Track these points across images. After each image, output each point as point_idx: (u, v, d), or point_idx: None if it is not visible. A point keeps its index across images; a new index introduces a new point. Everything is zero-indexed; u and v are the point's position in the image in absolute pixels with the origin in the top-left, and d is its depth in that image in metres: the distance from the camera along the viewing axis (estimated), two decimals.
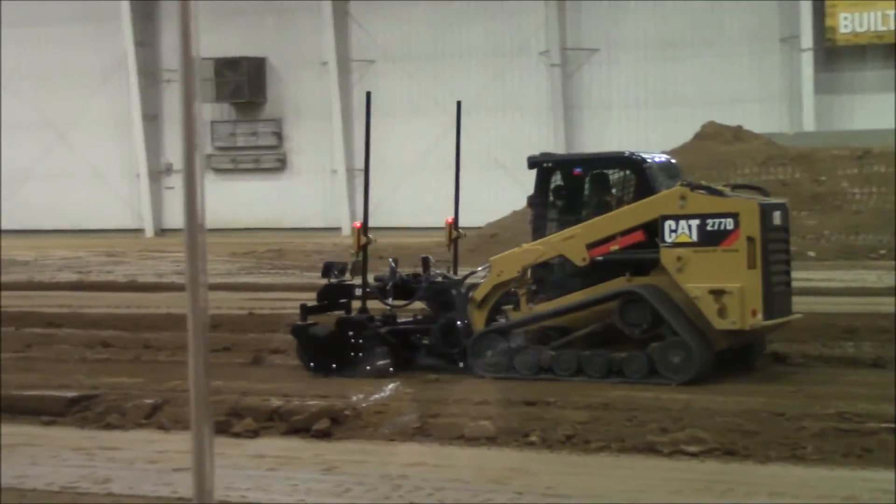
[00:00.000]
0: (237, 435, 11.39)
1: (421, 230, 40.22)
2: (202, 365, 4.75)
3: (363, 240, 14.49)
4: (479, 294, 14.18)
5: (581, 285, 13.76)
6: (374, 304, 15.08)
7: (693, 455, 10.25)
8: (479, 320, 14.14)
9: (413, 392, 12.99)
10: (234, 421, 11.59)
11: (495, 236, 30.89)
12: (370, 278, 14.95)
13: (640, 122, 40.81)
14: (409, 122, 43.49)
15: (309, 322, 14.68)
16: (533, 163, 14.45)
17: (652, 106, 40.71)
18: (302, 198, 44.97)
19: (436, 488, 9.52)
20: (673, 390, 12.71)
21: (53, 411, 12.64)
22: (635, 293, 13.30)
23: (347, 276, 14.90)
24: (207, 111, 42.61)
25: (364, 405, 12.11)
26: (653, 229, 13.34)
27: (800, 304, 14.64)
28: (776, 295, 13.35)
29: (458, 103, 17.03)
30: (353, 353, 14.23)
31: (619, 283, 13.52)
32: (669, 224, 13.17)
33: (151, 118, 46.74)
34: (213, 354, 14.04)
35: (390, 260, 15.35)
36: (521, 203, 33.40)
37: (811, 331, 15.91)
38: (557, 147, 41.56)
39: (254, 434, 11.51)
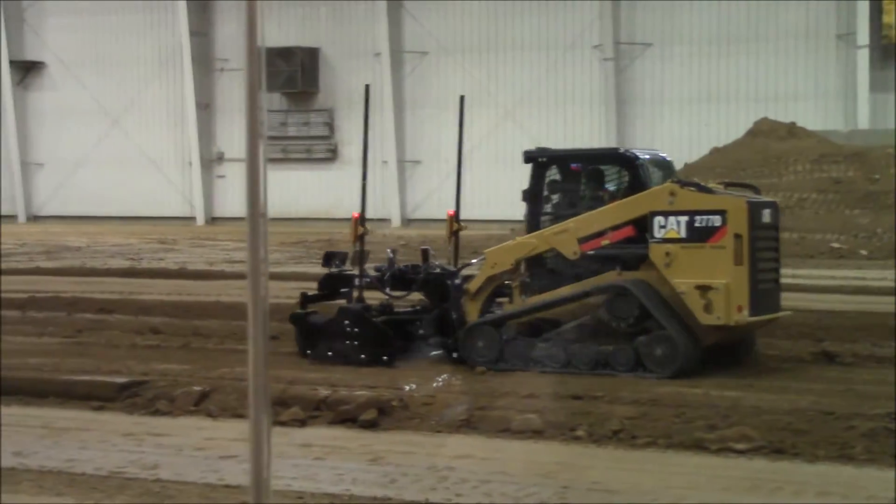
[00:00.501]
0: (284, 424, 11.42)
1: (471, 221, 40.23)
2: (261, 354, 4.74)
3: (360, 230, 14.81)
4: (472, 286, 14.42)
5: (573, 279, 13.94)
6: (376, 294, 15.26)
7: (741, 453, 10.19)
8: (472, 311, 14.35)
9: (460, 384, 13.01)
10: (280, 410, 11.63)
11: None
12: (371, 269, 15.22)
13: (693, 118, 40.59)
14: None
15: (308, 310, 15.03)
16: (528, 157, 14.63)
17: (705, 101, 40.47)
18: (352, 188, 44.86)
19: (482, 481, 9.51)
20: (722, 387, 12.65)
21: (103, 397, 12.73)
22: (622, 287, 13.49)
23: (348, 265, 15.17)
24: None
25: (412, 396, 12.12)
26: (643, 225, 13.52)
27: (851, 303, 14.53)
28: (763, 292, 13.49)
29: (462, 98, 17.38)
30: (348, 342, 14.47)
31: (609, 278, 13.69)
32: (659, 220, 13.38)
33: (204, 107, 46.99)
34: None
35: (388, 251, 15.61)
36: None
37: (862, 330, 15.78)
38: (609, 141, 41.42)
39: (301, 423, 11.54)
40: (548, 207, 14.46)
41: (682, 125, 40.65)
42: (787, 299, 14.58)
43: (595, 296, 13.69)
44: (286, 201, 43.78)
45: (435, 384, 12.96)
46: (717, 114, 39.97)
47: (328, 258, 15.33)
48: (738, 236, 13.18)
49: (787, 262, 25.85)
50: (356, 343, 14.43)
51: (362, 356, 14.31)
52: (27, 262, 28.71)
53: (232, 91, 46.57)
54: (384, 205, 44.44)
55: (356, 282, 14.97)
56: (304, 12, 44.54)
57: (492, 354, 14.01)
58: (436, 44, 43.77)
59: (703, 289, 13.15)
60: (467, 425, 11.32)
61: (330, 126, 45.65)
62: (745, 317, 13.20)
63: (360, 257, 14.88)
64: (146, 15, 47.80)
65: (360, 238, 14.84)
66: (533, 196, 14.50)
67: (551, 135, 42.22)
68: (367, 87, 16.14)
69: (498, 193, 42.49)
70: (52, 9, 49.41)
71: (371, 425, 11.44)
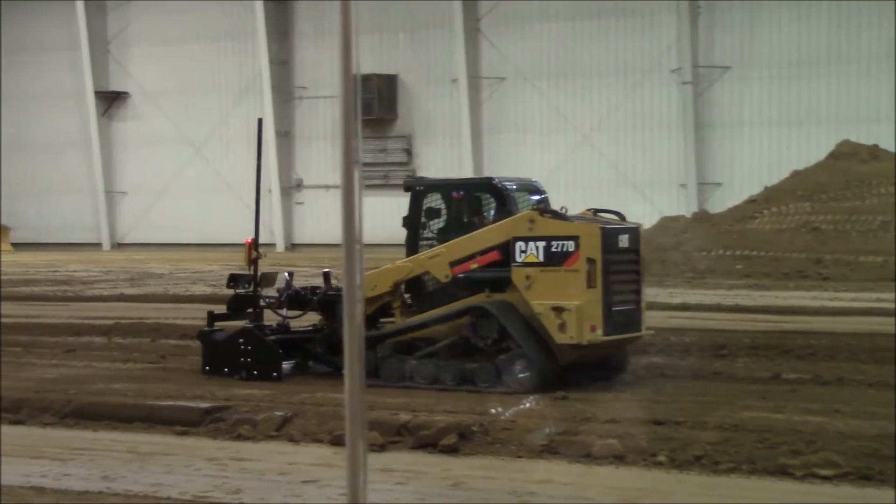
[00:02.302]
0: None
1: None
2: (357, 379, 4.75)
3: (253, 254, 15.82)
4: None
5: (446, 300, 14.73)
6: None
7: (826, 479, 10.07)
8: None
9: (541, 409, 12.97)
10: None
11: None
12: (273, 291, 16.20)
13: (773, 141, 40.25)
14: (538, 139, 43.54)
15: (214, 328, 15.94)
16: (407, 186, 15.61)
17: (785, 124, 40.11)
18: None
19: None
20: (806, 412, 12.50)
21: (187, 421, 12.87)
22: (483, 309, 14.35)
23: (247, 286, 15.98)
24: (338, 126, 43.08)
25: (492, 421, 12.12)
26: (507, 250, 14.30)
27: None
28: (619, 313, 14.24)
29: (259, 120, 18.19)
30: (242, 359, 15.31)
31: (478, 299, 14.49)
32: (520, 245, 14.21)
33: (283, 134, 47.43)
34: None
35: (285, 273, 16.34)
36: (650, 220, 33.26)
37: None
38: (688, 166, 41.21)
39: (381, 448, 11.56)
40: (426, 233, 15.32)
41: (762, 148, 40.32)
42: (873, 324, 14.41)
43: (461, 317, 14.51)
44: (364, 227, 43.92)
45: (513, 410, 12.94)
46: (798, 137, 39.59)
47: (233, 280, 16.15)
48: (590, 260, 13.95)
49: (872, 287, 25.58)
50: (249, 360, 15.29)
51: (254, 372, 15.20)
52: (111, 289, 29.11)
53: (311, 119, 47.00)
54: None
55: (261, 302, 15.97)
56: (382, 39, 44.82)
57: (368, 371, 14.42)
58: (513, 69, 43.83)
59: (558, 310, 13.94)
60: (548, 450, 11.27)
61: (408, 152, 45.85)
62: (598, 336, 13.97)
63: (255, 280, 15.80)
64: (227, 44, 48.41)
65: (253, 262, 15.80)
66: (411, 222, 15.37)
67: (629, 160, 42.12)
68: (259, 120, 17.20)
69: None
70: (135, 40, 50.23)
71: (452, 450, 11.44)
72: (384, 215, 45.58)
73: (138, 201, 50.44)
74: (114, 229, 51.05)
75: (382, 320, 15.31)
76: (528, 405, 13.15)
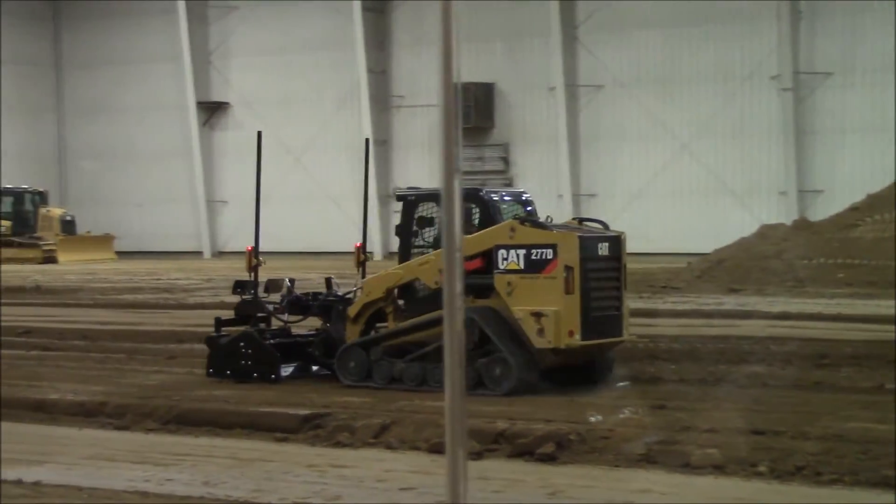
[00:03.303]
0: None
1: (644, 255, 39.91)
2: (457, 387, 4.75)
3: (253, 262, 16.50)
4: (351, 311, 15.90)
5: (436, 306, 14.73)
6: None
7: None
8: (353, 334, 15.79)
9: (639, 418, 12.89)
10: None
11: (723, 262, 30.34)
12: (278, 297, 16.77)
13: (876, 148, 39.61)
14: (635, 147, 43.32)
15: (221, 333, 16.45)
16: (399, 196, 16.35)
17: (888, 130, 39.42)
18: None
19: None
20: None
21: (287, 428, 12.99)
22: (465, 314, 14.05)
23: (252, 292, 16.55)
24: (435, 135, 43.27)
25: (590, 429, 12.07)
26: (491, 257, 14.87)
27: None
28: (599, 318, 14.72)
29: (367, 140, 19.06)
30: (243, 361, 15.91)
31: (464, 305, 14.27)
32: (502, 253, 14.79)
33: (381, 143, 47.72)
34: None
35: (286, 279, 16.90)
36: (750, 229, 32.92)
37: None
38: (788, 174, 40.74)
39: (477, 456, 11.55)
40: (418, 241, 15.92)
41: (864, 155, 39.72)
42: None
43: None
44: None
45: (611, 418, 12.88)
46: None
47: (238, 286, 16.75)
48: (568, 268, 14.44)
49: None
50: (249, 362, 15.87)
51: (254, 374, 15.78)
52: (212, 296, 29.45)
53: (408, 127, 47.23)
54: None
55: (268, 308, 16.60)
56: (479, 48, 44.86)
57: (362, 373, 15.41)
58: (611, 77, 43.67)
59: (537, 315, 14.48)
60: (646, 460, 11.20)
61: (505, 160, 45.87)
62: (576, 341, 14.46)
63: (255, 286, 16.44)
64: (326, 54, 48.83)
65: (253, 269, 16.45)
66: (403, 231, 16.04)
67: (728, 167, 41.74)
68: (259, 133, 18.05)
69: (674, 227, 42.18)
70: (236, 50, 50.90)
71: (549, 458, 11.40)
72: None
73: (238, 210, 51.03)
74: (214, 238, 51.72)
75: (379, 325, 15.96)
76: (626, 414, 13.08)
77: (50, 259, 48.15)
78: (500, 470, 11.15)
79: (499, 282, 14.77)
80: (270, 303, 16.59)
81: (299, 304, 16.55)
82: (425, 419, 12.74)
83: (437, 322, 14.62)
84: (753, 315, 22.55)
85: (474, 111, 44.60)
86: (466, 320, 14.53)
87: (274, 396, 14.58)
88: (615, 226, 39.20)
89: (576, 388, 14.83)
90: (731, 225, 36.95)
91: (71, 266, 45.05)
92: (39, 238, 49.68)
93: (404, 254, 15.97)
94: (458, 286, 4.74)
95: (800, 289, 27.48)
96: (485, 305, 14.90)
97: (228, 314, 17.03)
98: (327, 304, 16.35)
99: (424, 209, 15.95)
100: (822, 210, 38.01)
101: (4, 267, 45.32)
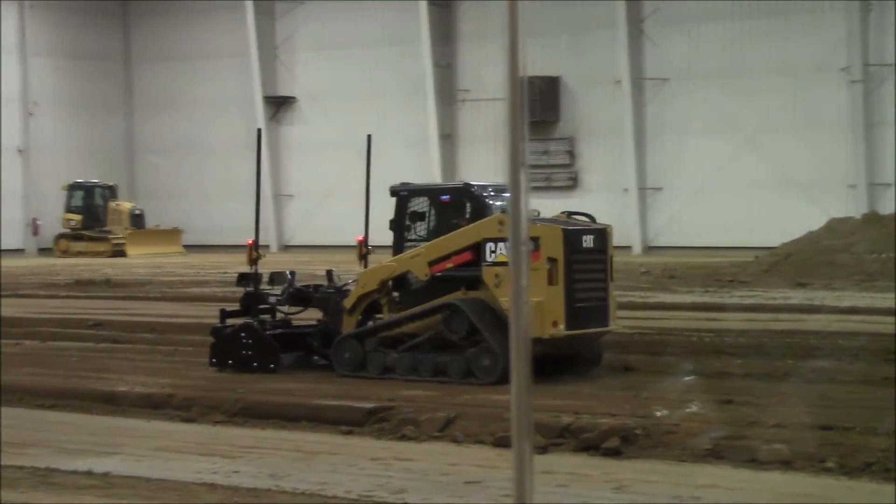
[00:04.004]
0: None
1: (712, 249, 39.64)
2: (524, 381, 4.75)
3: (254, 255, 16.90)
4: (347, 303, 16.34)
5: (428, 297, 15.70)
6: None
7: None
8: (349, 325, 16.23)
9: (705, 413, 12.81)
10: None
11: (790, 256, 30.08)
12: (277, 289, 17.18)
13: None
14: (701, 140, 43.01)
15: (226, 325, 16.86)
16: (392, 192, 16.77)
17: None
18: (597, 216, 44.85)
19: None
20: None
21: (352, 421, 13.03)
22: (455, 305, 15.35)
23: (251, 285, 16.98)
24: (500, 129, 43.22)
25: (655, 424, 12.01)
26: (479, 250, 15.31)
27: None
28: (584, 309, 15.10)
29: (369, 137, 19.82)
30: (243, 352, 16.35)
31: (454, 297, 15.48)
32: (490, 246, 15.21)
33: (446, 137, 47.75)
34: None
35: (287, 272, 17.31)
36: (818, 222, 32.59)
37: None
38: (857, 167, 40.29)
39: (542, 450, 11.47)
40: (410, 235, 16.46)
41: None
42: None
43: (437, 313, 15.45)
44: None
45: (677, 412, 12.81)
46: None
47: (241, 278, 17.21)
48: (552, 259, 14.82)
49: None
50: (249, 353, 16.32)
51: (254, 364, 16.20)
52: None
53: (473, 121, 47.20)
54: (625, 233, 44.17)
55: (271, 300, 17.01)
56: (544, 42, 44.75)
57: (356, 363, 15.82)
58: (677, 70, 43.39)
59: None
60: (712, 454, 11.12)
61: (571, 154, 45.74)
62: (560, 331, 14.84)
63: (256, 279, 16.92)
64: (391, 48, 48.94)
65: (254, 262, 16.86)
66: (397, 225, 16.55)
67: (795, 161, 41.33)
68: (259, 130, 18.59)
69: (741, 221, 41.84)
70: (302, 45, 51.15)
71: (614, 453, 11.34)
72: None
73: (304, 204, 51.31)
74: (281, 231, 52.01)
75: (378, 316, 16.37)
76: (692, 408, 13.00)
77: (119, 253, 48.73)
78: (565, 464, 11.10)
79: (487, 274, 15.20)
80: (273, 295, 17.03)
81: (300, 296, 17.06)
82: (490, 413, 12.73)
83: (427, 313, 15.51)
84: (821, 310, 22.35)
85: (539, 105, 44.50)
86: (456, 311, 15.17)
87: (339, 389, 14.63)
88: (683, 219, 39.04)
89: (641, 381, 14.76)
90: (799, 219, 36.58)
91: (139, 259, 45.54)
92: (109, 232, 50.29)
93: (398, 247, 16.46)
94: (525, 279, 4.73)
95: (869, 283, 27.18)
96: (475, 297, 15.34)
97: (235, 306, 17.30)
98: (327, 296, 16.85)
99: (416, 204, 16.51)
100: (892, 203, 37.57)
101: (75, 260, 45.99)
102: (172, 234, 51.60)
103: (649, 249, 43.72)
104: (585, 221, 16.03)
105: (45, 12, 53.00)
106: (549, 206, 45.63)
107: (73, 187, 51.22)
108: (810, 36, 41.09)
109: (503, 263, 14.94)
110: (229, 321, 16.92)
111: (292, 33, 51.54)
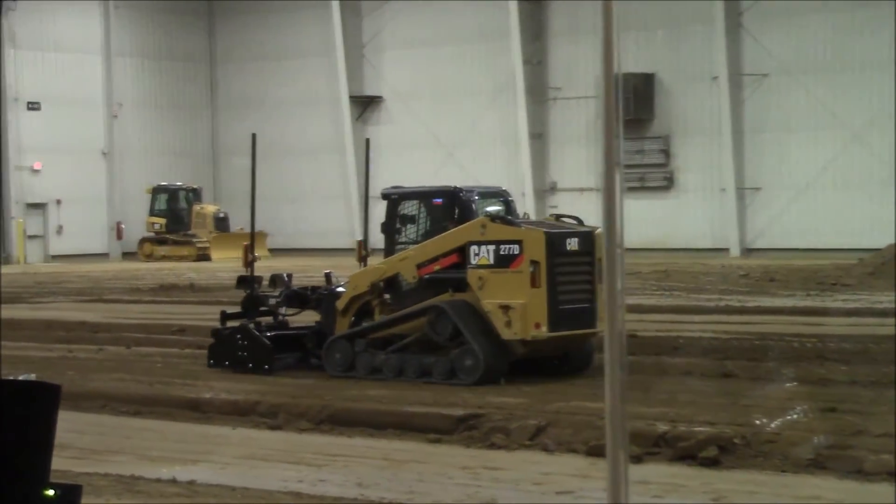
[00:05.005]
0: None
1: (818, 251, 38.84)
2: (618, 388, 4.55)
3: (250, 257, 17.39)
4: (339, 304, 16.67)
5: (417, 299, 16.01)
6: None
7: None
8: (342, 326, 16.54)
9: (808, 421, 12.40)
10: None
11: None
12: (277, 291, 17.60)
13: None
14: (803, 137, 42.12)
15: (227, 326, 17.22)
16: (384, 195, 17.36)
17: None
18: (689, 217, 44.31)
19: None
20: None
21: (441, 429, 12.83)
22: (440, 308, 15.63)
23: (255, 286, 17.43)
24: (593, 128, 42.77)
25: (755, 433, 11.63)
26: (464, 253, 15.59)
27: None
28: (567, 311, 15.25)
29: (367, 140, 20.94)
30: (239, 353, 16.75)
31: (441, 299, 15.75)
32: (474, 249, 15.49)
33: (537, 136, 47.35)
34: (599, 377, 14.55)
35: (284, 274, 17.73)
36: None
37: None
38: None
39: (638, 459, 11.20)
40: (401, 237, 17.01)
41: None
42: None
43: (422, 315, 15.73)
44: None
45: (778, 422, 12.39)
46: None
47: (241, 281, 17.65)
48: (535, 262, 15.04)
49: None
50: (245, 354, 16.70)
51: (249, 365, 16.57)
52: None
53: (565, 120, 46.74)
54: (722, 234, 43.46)
55: (270, 302, 17.44)
56: (639, 37, 44.14)
57: (346, 364, 16.12)
58: (777, 65, 42.53)
59: (505, 308, 15.14)
60: (815, 465, 10.77)
61: (666, 153, 45.08)
62: (542, 333, 15.05)
63: (251, 281, 17.31)
64: (480, 45, 48.63)
65: (250, 264, 17.32)
66: (388, 228, 17.14)
67: None
68: (253, 135, 18.40)
69: (845, 222, 40.91)
70: (389, 43, 51.06)
71: (712, 463, 11.08)
72: (641, 219, 45.02)
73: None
74: (368, 234, 51.91)
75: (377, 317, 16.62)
76: (794, 417, 12.58)
77: (203, 256, 48.90)
78: (661, 474, 10.85)
79: (471, 276, 15.48)
80: (271, 297, 17.41)
81: (297, 298, 17.44)
82: (583, 421, 12.43)
83: (414, 315, 15.83)
84: None
85: (633, 102, 43.88)
86: (441, 313, 15.42)
87: (427, 397, 14.46)
88: (781, 220, 38.29)
89: (740, 388, 14.35)
90: None
91: (224, 263, 45.57)
92: (193, 235, 50.50)
93: (389, 249, 16.98)
94: (619, 283, 4.46)
95: None
96: (460, 299, 15.60)
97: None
98: (321, 298, 17.21)
99: (406, 207, 17.10)
100: None
101: (159, 265, 46.30)
102: (258, 237, 51.62)
103: (748, 252, 42.90)
104: (572, 224, 16.23)
105: (129, 12, 53.39)
106: (643, 207, 45.10)
107: (157, 190, 51.51)
108: None
109: (486, 266, 15.34)
110: (230, 323, 17.28)
111: (379, 31, 51.48)
